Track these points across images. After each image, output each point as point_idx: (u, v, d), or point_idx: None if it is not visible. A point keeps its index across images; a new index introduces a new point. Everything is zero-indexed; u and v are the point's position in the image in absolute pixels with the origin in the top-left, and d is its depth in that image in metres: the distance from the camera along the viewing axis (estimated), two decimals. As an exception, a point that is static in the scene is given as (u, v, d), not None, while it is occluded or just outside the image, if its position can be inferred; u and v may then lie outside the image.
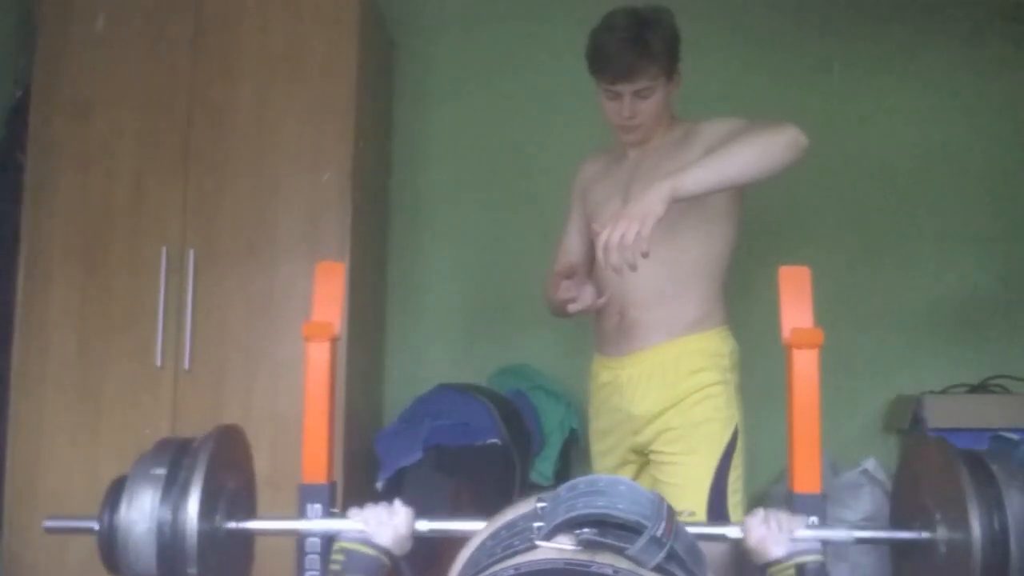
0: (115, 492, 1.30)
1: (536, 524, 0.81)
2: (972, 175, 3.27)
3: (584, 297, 2.01)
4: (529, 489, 2.73)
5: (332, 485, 1.55)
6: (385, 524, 1.35)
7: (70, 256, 2.68)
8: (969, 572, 1.27)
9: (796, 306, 1.62)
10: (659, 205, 1.70)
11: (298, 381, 1.63)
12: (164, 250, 2.66)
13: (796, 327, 1.60)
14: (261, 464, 2.57)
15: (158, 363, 2.58)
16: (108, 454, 2.63)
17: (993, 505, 1.28)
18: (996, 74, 3.29)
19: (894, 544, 1.51)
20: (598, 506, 0.79)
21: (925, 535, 1.40)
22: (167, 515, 1.26)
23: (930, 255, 3.23)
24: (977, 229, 3.24)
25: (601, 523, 0.78)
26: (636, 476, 2.08)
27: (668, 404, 1.98)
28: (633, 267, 1.69)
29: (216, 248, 2.68)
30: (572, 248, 2.24)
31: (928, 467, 1.45)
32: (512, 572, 0.78)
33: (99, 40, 2.74)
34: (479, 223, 3.32)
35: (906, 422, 2.97)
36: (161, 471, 1.30)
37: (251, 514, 1.51)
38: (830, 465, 2.77)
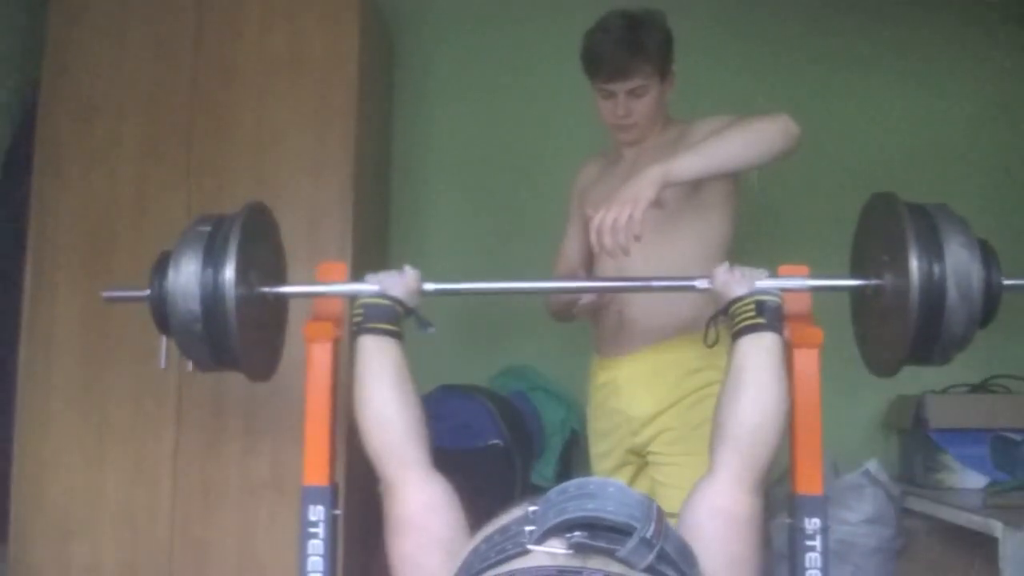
0: (162, 263, 1.48)
1: (528, 528, 0.82)
2: (972, 173, 3.26)
3: (587, 297, 2.02)
4: (530, 490, 2.73)
5: (334, 487, 1.57)
6: (396, 281, 1.52)
7: (75, 258, 2.69)
8: (909, 313, 1.38)
9: (795, 305, 1.62)
10: (650, 188, 1.72)
11: (300, 382, 1.64)
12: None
13: (796, 327, 1.60)
14: (263, 467, 2.62)
15: (162, 365, 2.58)
16: (113, 456, 2.64)
17: (933, 253, 1.39)
18: (996, 73, 3.29)
19: (849, 291, 1.65)
20: (588, 509, 0.80)
21: (874, 281, 1.53)
22: (208, 280, 1.44)
23: (931, 254, 3.22)
24: (977, 227, 3.22)
25: (591, 526, 0.79)
26: (634, 477, 2.08)
27: (666, 405, 1.98)
28: (626, 251, 1.70)
29: (219, 251, 2.69)
30: (572, 252, 2.24)
31: (879, 220, 1.56)
32: (505, 579, 0.79)
33: (104, 45, 2.76)
34: (479, 224, 3.33)
35: (907, 422, 2.97)
36: (200, 243, 1.47)
37: (281, 281, 1.69)
38: (831, 466, 2.77)
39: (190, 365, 2.59)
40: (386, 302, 1.49)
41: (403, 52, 3.37)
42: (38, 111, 2.75)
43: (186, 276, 1.44)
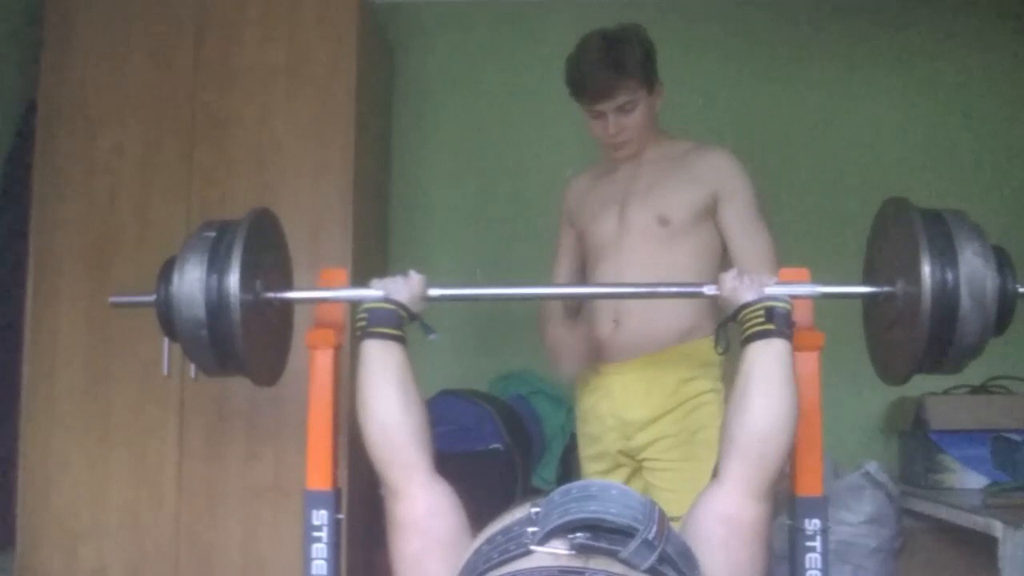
0: (167, 269, 1.47)
1: (530, 529, 0.82)
2: (972, 173, 3.27)
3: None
4: (531, 494, 2.74)
5: (337, 491, 1.57)
6: (401, 286, 1.51)
7: (77, 267, 2.70)
8: (921, 320, 1.35)
9: (796, 308, 1.62)
10: None
11: (303, 388, 1.65)
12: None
13: (796, 329, 1.61)
14: (266, 472, 2.63)
15: (165, 371, 2.59)
16: (118, 462, 2.65)
17: (946, 260, 1.35)
18: (997, 69, 3.30)
19: (861, 298, 1.61)
20: (590, 510, 0.80)
21: (886, 288, 1.49)
22: (213, 287, 1.43)
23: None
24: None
25: (594, 527, 0.80)
26: (628, 480, 2.09)
27: (662, 411, 2.01)
28: None
29: (221, 258, 2.70)
30: (564, 272, 2.26)
31: (892, 225, 1.51)
32: (508, 579, 0.80)
33: (104, 54, 2.77)
34: (479, 228, 3.34)
35: (908, 424, 2.98)
36: (205, 248, 1.46)
37: (287, 287, 1.68)
38: (831, 468, 2.77)
39: (193, 371, 2.62)
40: (390, 306, 1.48)
41: (402, 59, 3.38)
42: (38, 121, 2.75)
43: (190, 282, 1.43)
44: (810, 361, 1.58)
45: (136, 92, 2.76)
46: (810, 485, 1.52)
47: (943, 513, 2.61)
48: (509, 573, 0.80)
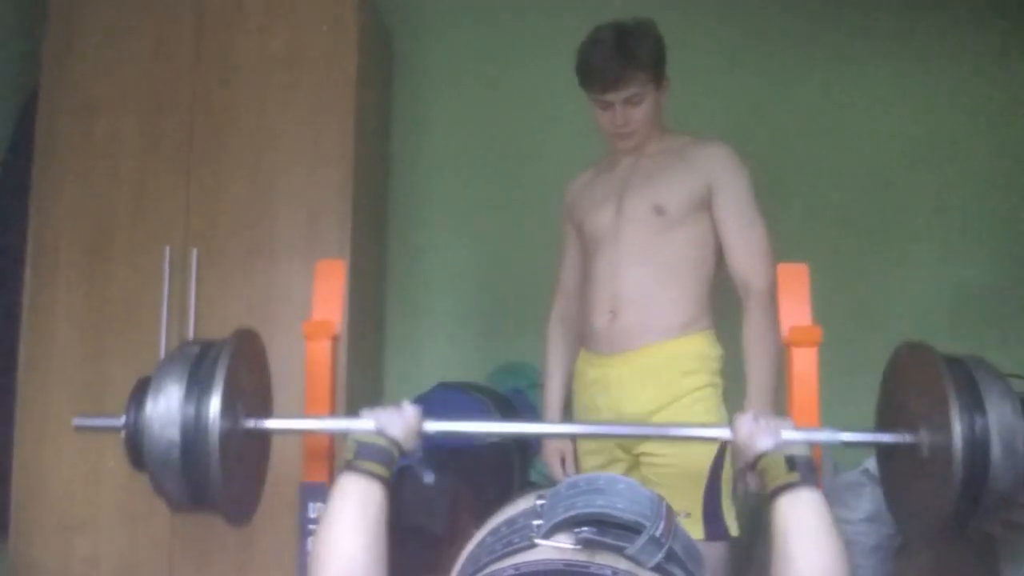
0: (140, 391, 1.35)
1: (535, 522, 0.81)
2: (973, 170, 3.26)
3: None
4: (528, 488, 2.73)
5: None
6: (395, 419, 1.41)
7: (75, 256, 2.70)
8: (950, 474, 1.29)
9: (795, 304, 1.62)
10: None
11: (299, 379, 1.64)
12: (167, 250, 2.67)
13: (795, 325, 1.60)
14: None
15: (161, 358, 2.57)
16: (112, 453, 2.63)
17: (974, 409, 1.30)
18: (998, 65, 3.29)
19: (879, 447, 1.54)
20: (597, 505, 0.79)
21: (909, 438, 1.42)
22: (191, 412, 1.30)
23: (930, 251, 3.22)
24: (977, 225, 3.23)
25: (600, 522, 0.78)
26: (625, 475, 2.08)
27: (661, 404, 2.00)
28: None
29: (218, 247, 2.69)
30: (570, 274, 2.27)
31: (912, 371, 1.47)
32: (511, 571, 0.78)
33: (103, 43, 2.76)
34: (479, 220, 3.32)
35: (906, 421, 2.97)
36: (184, 371, 1.33)
37: (267, 414, 1.56)
38: (831, 465, 2.77)
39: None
40: (382, 443, 1.37)
41: (401, 48, 3.37)
42: (38, 110, 2.75)
43: (167, 401, 1.31)
44: (808, 357, 1.58)
45: (136, 81, 2.75)
46: (810, 482, 1.51)
47: (942, 511, 2.60)
48: (512, 565, 0.78)
